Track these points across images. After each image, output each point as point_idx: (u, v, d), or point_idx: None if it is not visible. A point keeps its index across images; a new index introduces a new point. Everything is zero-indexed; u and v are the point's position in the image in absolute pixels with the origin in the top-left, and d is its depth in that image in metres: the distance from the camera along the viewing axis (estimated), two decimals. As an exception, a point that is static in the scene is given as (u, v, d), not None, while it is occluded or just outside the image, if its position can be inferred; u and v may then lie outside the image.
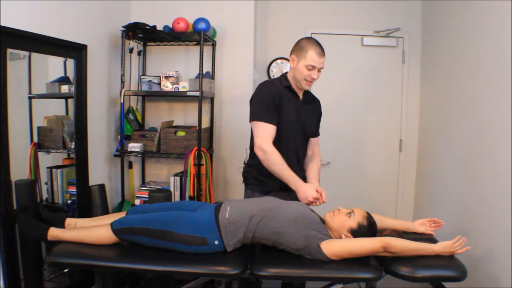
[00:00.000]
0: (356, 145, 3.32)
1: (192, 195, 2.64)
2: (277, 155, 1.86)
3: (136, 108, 2.96)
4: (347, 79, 3.29)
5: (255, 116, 1.93)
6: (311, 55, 1.92)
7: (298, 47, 1.97)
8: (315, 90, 3.25)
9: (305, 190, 1.83)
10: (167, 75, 2.74)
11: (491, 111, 2.14)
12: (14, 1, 1.86)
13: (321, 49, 1.95)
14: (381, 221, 1.83)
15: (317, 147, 2.19)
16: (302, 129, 2.04)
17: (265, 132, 1.89)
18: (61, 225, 1.84)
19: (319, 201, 1.83)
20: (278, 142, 1.95)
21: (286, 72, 2.09)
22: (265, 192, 2.00)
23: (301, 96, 2.06)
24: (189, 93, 2.68)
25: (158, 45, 3.00)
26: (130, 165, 3.00)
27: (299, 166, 2.06)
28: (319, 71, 1.96)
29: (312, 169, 2.10)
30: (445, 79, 2.76)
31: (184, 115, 3.05)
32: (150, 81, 2.81)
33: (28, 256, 2.00)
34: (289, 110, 1.98)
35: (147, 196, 2.63)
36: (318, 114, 2.18)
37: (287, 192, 1.98)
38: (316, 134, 2.19)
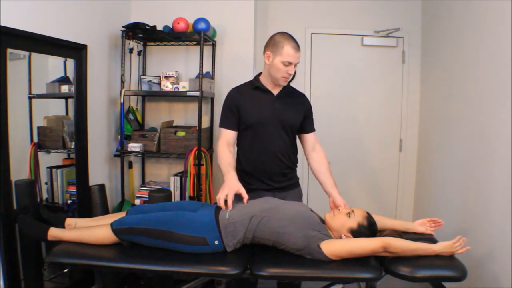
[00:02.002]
0: (356, 145, 3.32)
1: (192, 195, 2.64)
2: (222, 151, 1.95)
3: (136, 108, 2.96)
4: (347, 79, 3.29)
5: (219, 122, 2.08)
6: (287, 50, 1.87)
7: (273, 43, 1.92)
8: (315, 90, 3.27)
9: (228, 184, 1.78)
10: (167, 75, 2.74)
11: (491, 111, 2.14)
12: (14, 1, 1.86)
13: (296, 44, 1.91)
14: (381, 221, 1.83)
15: (318, 145, 2.15)
16: (279, 123, 1.99)
17: (221, 136, 2.02)
18: (61, 225, 1.84)
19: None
20: (251, 141, 2.00)
21: (260, 73, 2.07)
22: (249, 189, 1.95)
23: (275, 92, 2.03)
24: (189, 93, 2.68)
25: (158, 45, 3.00)
26: (130, 165, 3.00)
27: (277, 162, 2.01)
28: (295, 66, 1.93)
29: (324, 175, 2.06)
30: (445, 79, 2.76)
31: (184, 115, 3.05)
32: (150, 81, 2.81)
33: (28, 256, 2.00)
34: (256, 108, 1.98)
35: (147, 196, 2.63)
36: (305, 109, 2.10)
37: (272, 192, 2.01)
38: (307, 130, 2.12)
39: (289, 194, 2.05)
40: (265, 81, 2.02)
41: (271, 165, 2.00)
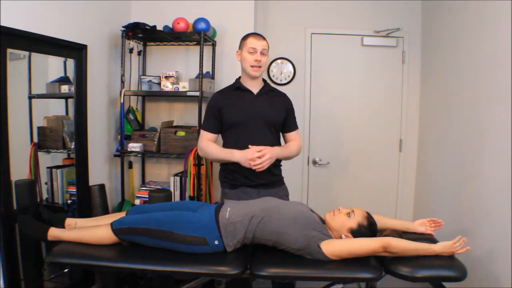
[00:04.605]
0: (356, 145, 3.32)
1: (192, 195, 2.64)
2: (209, 144, 2.06)
3: (136, 108, 2.96)
4: (347, 79, 3.29)
5: (202, 124, 2.17)
6: (250, 40, 2.04)
7: (240, 41, 2.09)
8: (315, 90, 3.27)
9: (243, 154, 1.96)
10: (167, 75, 2.74)
11: (491, 110, 2.14)
12: (14, 1, 1.86)
13: (260, 35, 2.07)
14: (381, 221, 1.83)
15: (297, 141, 2.20)
16: (261, 120, 2.06)
17: (202, 137, 2.11)
18: (61, 225, 1.84)
19: (260, 161, 1.93)
20: (235, 140, 2.05)
21: (240, 76, 2.16)
22: (232, 186, 2.10)
23: (256, 90, 2.10)
24: (189, 93, 2.68)
25: (158, 45, 3.00)
26: (130, 165, 3.00)
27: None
28: (263, 54, 2.03)
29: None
30: (445, 79, 2.76)
31: (184, 115, 3.05)
32: (150, 81, 2.81)
33: (28, 256, 2.00)
34: (238, 107, 2.05)
35: (147, 196, 2.63)
36: (287, 108, 2.17)
37: (256, 189, 2.05)
38: (289, 128, 2.19)
39: (274, 191, 2.08)
40: (244, 81, 2.11)
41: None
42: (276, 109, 2.12)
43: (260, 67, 2.04)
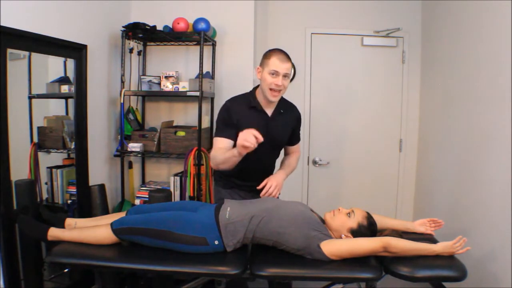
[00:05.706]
0: (356, 145, 3.32)
1: (192, 195, 2.64)
2: (217, 152, 1.86)
3: (136, 108, 2.96)
4: (347, 79, 3.29)
5: (215, 133, 2.00)
6: (273, 61, 1.88)
7: (263, 57, 1.95)
8: (315, 90, 3.27)
9: (240, 137, 1.66)
10: (167, 75, 2.74)
11: (490, 110, 2.14)
12: (14, 1, 1.86)
13: (285, 56, 1.90)
14: (381, 221, 1.83)
15: (297, 153, 2.22)
16: (271, 144, 2.00)
17: (214, 146, 1.94)
18: (61, 225, 1.84)
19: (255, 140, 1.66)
20: (241, 161, 1.89)
21: (257, 87, 2.05)
22: (226, 186, 2.11)
23: (270, 111, 2.02)
24: (189, 93, 2.68)
25: (158, 45, 3.00)
26: (130, 165, 2.99)
27: (261, 176, 1.99)
28: (285, 77, 1.90)
29: (282, 164, 2.17)
30: (445, 79, 2.76)
31: (184, 115, 3.05)
32: (150, 81, 2.81)
33: (28, 256, 2.00)
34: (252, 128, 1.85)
35: (147, 196, 2.63)
36: (294, 125, 2.13)
37: (252, 194, 2.04)
38: (292, 142, 2.18)
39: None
40: (260, 97, 2.01)
41: (254, 178, 2.00)
42: (285, 131, 2.09)
43: (280, 91, 1.92)
